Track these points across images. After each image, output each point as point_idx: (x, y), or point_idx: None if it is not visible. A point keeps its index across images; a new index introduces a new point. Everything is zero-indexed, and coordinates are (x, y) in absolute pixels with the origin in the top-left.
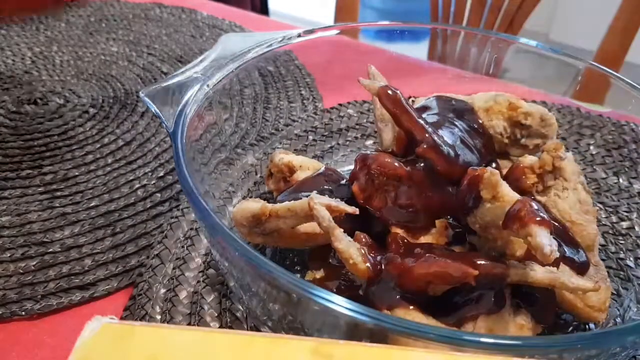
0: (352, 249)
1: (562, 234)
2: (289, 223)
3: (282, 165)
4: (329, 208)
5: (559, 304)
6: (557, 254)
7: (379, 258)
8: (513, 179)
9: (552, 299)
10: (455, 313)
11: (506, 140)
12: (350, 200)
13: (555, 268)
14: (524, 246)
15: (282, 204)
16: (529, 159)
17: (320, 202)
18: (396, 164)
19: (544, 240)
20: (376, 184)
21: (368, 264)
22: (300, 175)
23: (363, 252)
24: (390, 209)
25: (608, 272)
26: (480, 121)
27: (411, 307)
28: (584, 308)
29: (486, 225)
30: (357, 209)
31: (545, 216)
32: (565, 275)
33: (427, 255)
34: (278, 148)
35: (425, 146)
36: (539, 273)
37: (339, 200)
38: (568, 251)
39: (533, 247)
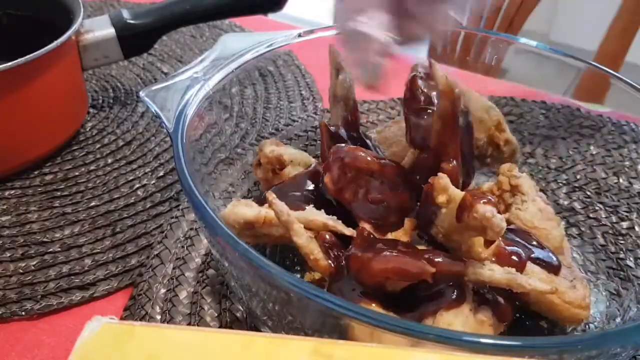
0: (312, 245)
1: (528, 238)
2: (281, 231)
3: (273, 158)
4: (326, 227)
5: (538, 307)
6: (504, 225)
7: (341, 255)
8: None
9: (512, 297)
10: (416, 308)
11: (475, 153)
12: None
13: (513, 269)
14: (488, 250)
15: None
16: (486, 185)
17: (317, 219)
18: (369, 158)
19: (488, 211)
20: (348, 177)
21: (329, 261)
22: (291, 172)
23: (325, 248)
24: (360, 203)
25: (608, 273)
26: (474, 141)
27: (373, 303)
28: (562, 305)
29: (447, 232)
30: (354, 231)
31: (492, 199)
32: (523, 277)
33: (386, 250)
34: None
35: (452, 166)
36: (496, 273)
37: (335, 218)
38: (536, 252)
39: (483, 223)
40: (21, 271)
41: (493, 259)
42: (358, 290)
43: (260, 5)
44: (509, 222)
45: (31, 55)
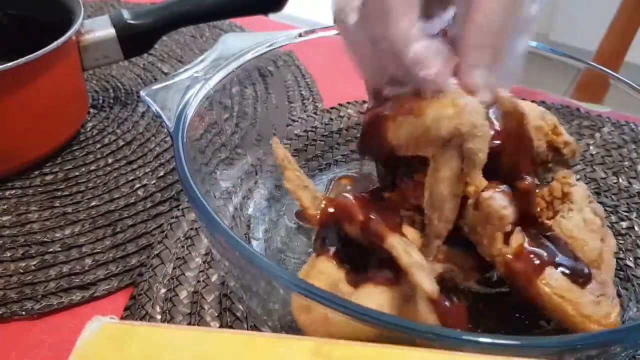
0: (301, 191)
1: (562, 246)
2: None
3: None
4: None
5: (552, 315)
6: (507, 213)
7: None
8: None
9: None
10: (363, 272)
11: (538, 161)
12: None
13: (421, 257)
14: (509, 247)
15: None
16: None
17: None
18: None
19: (490, 196)
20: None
21: (318, 211)
22: None
23: (319, 197)
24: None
25: None
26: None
27: (332, 257)
28: (578, 317)
29: (471, 223)
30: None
31: (506, 189)
32: (418, 269)
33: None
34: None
35: (528, 182)
36: (404, 253)
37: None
38: (563, 260)
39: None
40: (22, 271)
41: (510, 256)
42: (329, 242)
43: (260, 5)
44: (550, 229)
45: (31, 55)
